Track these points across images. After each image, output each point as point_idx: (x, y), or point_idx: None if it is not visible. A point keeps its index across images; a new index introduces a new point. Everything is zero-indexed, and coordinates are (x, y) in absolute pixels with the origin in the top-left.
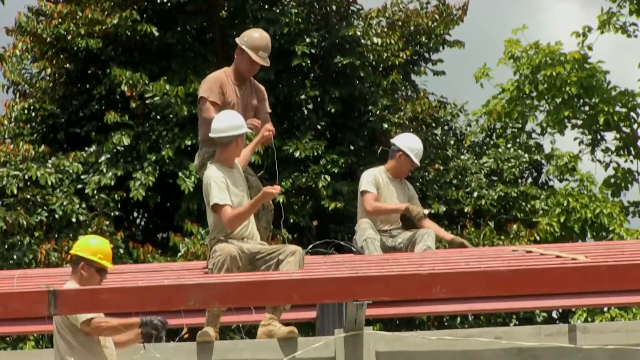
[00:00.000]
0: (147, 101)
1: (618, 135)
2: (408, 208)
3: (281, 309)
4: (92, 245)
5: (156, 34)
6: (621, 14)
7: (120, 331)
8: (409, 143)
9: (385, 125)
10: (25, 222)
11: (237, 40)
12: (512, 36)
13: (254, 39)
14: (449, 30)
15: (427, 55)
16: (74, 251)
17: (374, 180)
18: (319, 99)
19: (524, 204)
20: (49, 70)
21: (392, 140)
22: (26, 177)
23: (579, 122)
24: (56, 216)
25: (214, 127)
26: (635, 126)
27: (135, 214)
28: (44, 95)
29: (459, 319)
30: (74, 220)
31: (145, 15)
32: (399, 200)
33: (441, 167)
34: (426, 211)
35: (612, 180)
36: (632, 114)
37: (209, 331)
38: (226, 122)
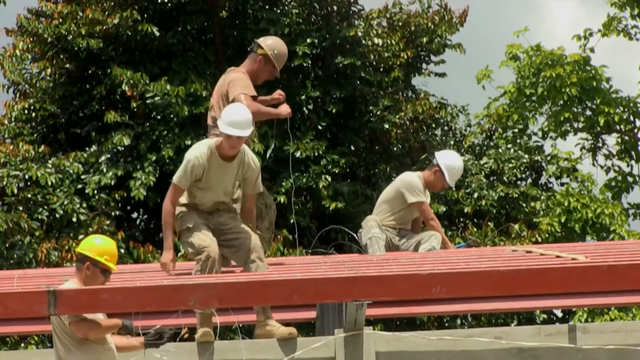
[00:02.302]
0: (148, 101)
1: (620, 139)
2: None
3: (269, 307)
4: (99, 246)
5: (157, 34)
6: (623, 17)
7: (99, 331)
8: (448, 161)
9: (386, 126)
10: (26, 226)
11: (266, 48)
12: (514, 38)
13: (283, 54)
14: (450, 35)
15: (427, 57)
16: (80, 249)
17: (423, 189)
18: (319, 99)
19: (524, 205)
20: (49, 70)
21: (436, 153)
22: (26, 177)
23: (580, 125)
24: (57, 215)
25: (222, 115)
26: (635, 130)
27: (135, 214)
28: (44, 95)
29: (459, 320)
30: (74, 219)
31: (145, 15)
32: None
33: None
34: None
35: (613, 184)
36: (634, 118)
37: (209, 331)
38: (229, 116)
